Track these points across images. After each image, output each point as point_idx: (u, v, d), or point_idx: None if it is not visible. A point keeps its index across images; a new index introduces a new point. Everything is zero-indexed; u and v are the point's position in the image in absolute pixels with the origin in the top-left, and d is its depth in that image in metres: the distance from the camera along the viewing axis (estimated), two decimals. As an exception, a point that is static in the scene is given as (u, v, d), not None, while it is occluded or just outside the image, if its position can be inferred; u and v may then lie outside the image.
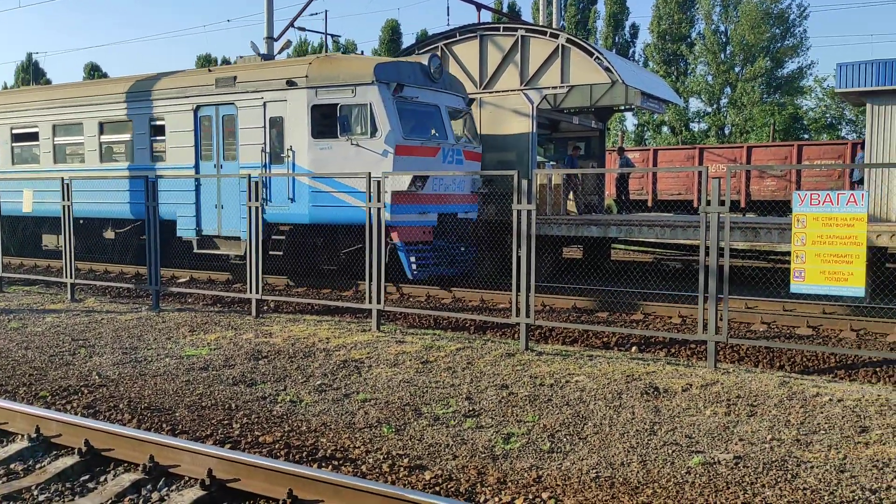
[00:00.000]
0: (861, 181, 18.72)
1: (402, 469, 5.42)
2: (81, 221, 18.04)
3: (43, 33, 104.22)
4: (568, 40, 16.80)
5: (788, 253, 8.02)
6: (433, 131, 14.38)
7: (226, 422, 6.52)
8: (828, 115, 44.33)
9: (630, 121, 51.31)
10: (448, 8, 22.69)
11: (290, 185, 14.19)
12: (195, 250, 15.61)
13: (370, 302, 10.50)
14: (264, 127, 14.47)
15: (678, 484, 5.15)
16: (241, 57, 16.90)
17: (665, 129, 49.33)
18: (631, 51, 50.04)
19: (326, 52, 18.63)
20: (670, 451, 5.73)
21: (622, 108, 19.12)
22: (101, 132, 17.15)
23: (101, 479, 5.31)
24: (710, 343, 8.29)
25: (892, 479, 5.12)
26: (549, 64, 16.78)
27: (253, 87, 14.61)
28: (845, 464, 5.42)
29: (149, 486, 5.12)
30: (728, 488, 5.05)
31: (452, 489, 5.09)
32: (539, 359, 8.65)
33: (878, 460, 5.46)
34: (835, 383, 7.68)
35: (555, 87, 16.85)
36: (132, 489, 5.08)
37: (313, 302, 12.43)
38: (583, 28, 49.44)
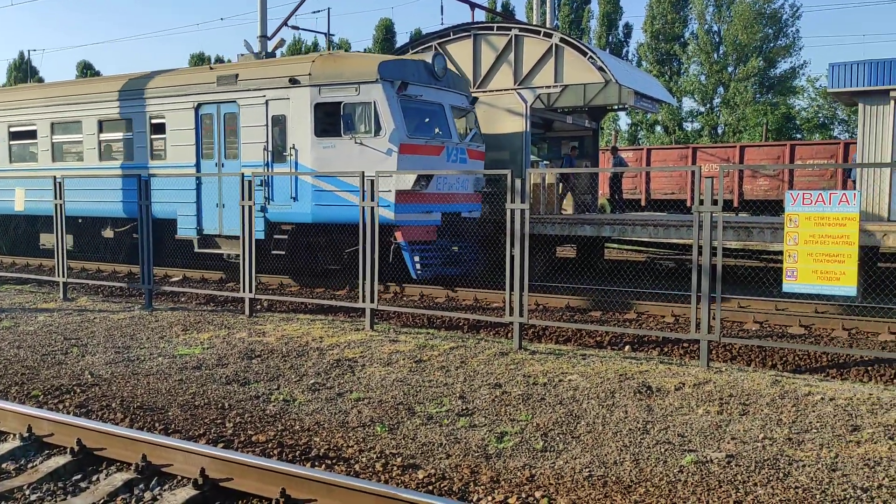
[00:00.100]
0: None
1: (395, 468, 5.43)
2: (80, 220, 17.96)
3: (36, 31, 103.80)
4: (561, 40, 16.81)
5: (781, 252, 8.05)
6: (437, 130, 14.31)
7: (219, 421, 6.51)
8: (820, 115, 44.52)
9: (623, 120, 51.48)
10: (442, 7, 22.75)
11: (292, 183, 14.09)
12: (196, 249, 15.48)
13: (364, 301, 10.49)
14: (267, 125, 14.37)
15: (671, 483, 5.16)
16: (242, 55, 16.83)
17: (658, 128, 49.45)
18: (624, 50, 50.14)
19: (330, 49, 18.52)
20: (663, 450, 5.74)
21: (616, 107, 19.15)
22: (101, 130, 17.03)
23: (94, 478, 5.30)
24: (702, 342, 8.32)
25: (883, 478, 5.15)
26: (543, 63, 16.80)
27: (255, 84, 14.51)
28: (837, 462, 5.44)
29: (141, 486, 5.11)
30: (720, 487, 5.07)
31: (446, 488, 5.09)
32: (532, 358, 8.66)
33: (869, 459, 5.48)
34: (827, 382, 7.71)
35: (548, 87, 16.87)
36: (124, 488, 5.07)
37: (307, 301, 12.42)
38: (576, 28, 49.49)
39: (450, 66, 17.58)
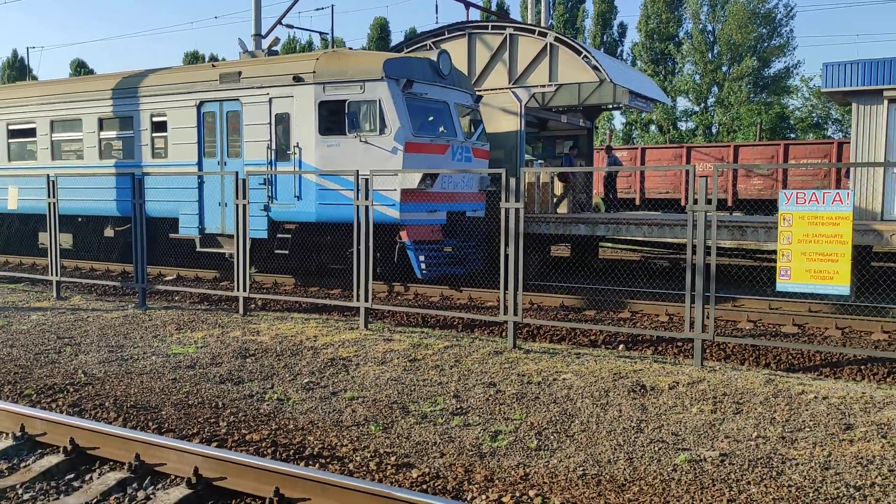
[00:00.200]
0: None
1: (389, 467, 5.42)
2: (80, 219, 17.87)
3: (29, 30, 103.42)
4: (556, 39, 16.82)
5: (775, 251, 8.07)
6: (442, 128, 14.22)
7: (212, 420, 6.49)
8: (814, 115, 44.65)
9: (618, 119, 51.55)
10: (437, 6, 22.67)
11: (296, 182, 13.98)
12: (198, 249, 15.34)
13: (358, 300, 10.48)
14: (270, 123, 14.25)
15: (664, 481, 5.17)
16: (244, 52, 16.73)
17: (653, 127, 49.54)
18: (619, 50, 50.21)
19: (326, 48, 18.40)
20: (657, 449, 5.75)
21: (610, 106, 19.18)
22: (101, 128, 16.88)
23: (87, 477, 5.28)
24: (696, 341, 8.33)
25: (876, 476, 5.17)
26: (538, 62, 16.80)
27: (258, 82, 14.38)
28: (830, 461, 5.46)
29: (135, 485, 5.10)
30: (714, 485, 5.08)
31: (440, 487, 5.09)
32: (527, 357, 8.67)
33: (862, 457, 5.50)
34: (820, 381, 7.73)
35: (543, 86, 16.88)
36: (118, 488, 5.06)
37: (301, 300, 12.40)
38: (571, 27, 49.54)
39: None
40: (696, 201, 8.23)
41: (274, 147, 14.23)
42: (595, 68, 16.25)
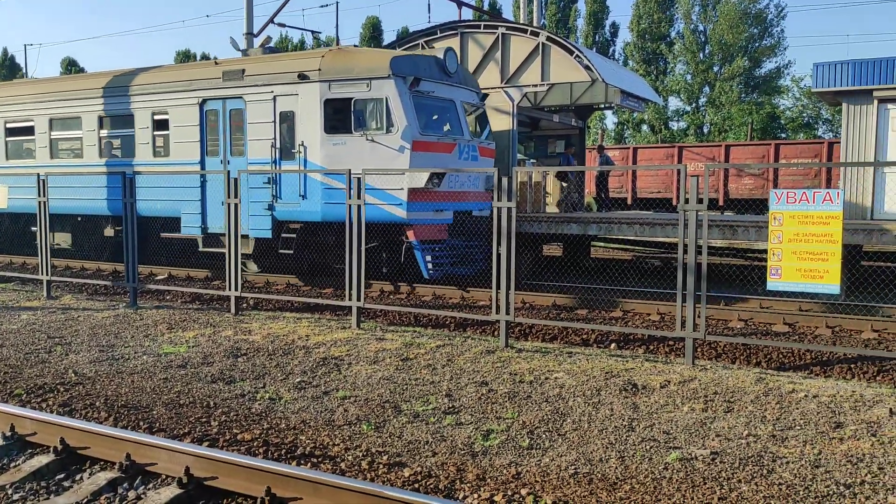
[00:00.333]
0: None
1: (381, 466, 5.42)
2: (80, 218, 17.73)
3: (21, 27, 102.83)
4: (548, 38, 16.85)
5: (766, 250, 8.10)
6: (448, 127, 14.10)
7: (204, 420, 6.48)
8: (805, 115, 44.87)
9: (610, 119, 51.67)
10: (429, 5, 22.71)
11: (301, 181, 13.81)
12: (201, 248, 15.16)
13: (350, 299, 10.47)
14: (274, 121, 14.09)
15: (656, 479, 5.19)
16: (246, 50, 16.62)
17: (645, 127, 49.68)
18: (611, 49, 50.34)
19: (338, 46, 18.19)
20: (648, 447, 5.77)
21: (602, 106, 19.22)
22: (101, 127, 16.66)
23: (77, 477, 5.26)
24: (688, 340, 8.36)
25: (866, 474, 5.20)
26: (530, 62, 16.82)
27: (262, 80, 14.21)
28: (820, 459, 5.48)
29: (125, 485, 5.08)
30: (705, 484, 5.10)
31: (432, 486, 5.09)
32: (519, 356, 8.68)
33: (852, 455, 5.53)
34: (810, 379, 7.77)
35: (535, 85, 16.90)
36: (108, 487, 5.04)
37: (293, 299, 12.38)
38: (563, 26, 49.62)
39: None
40: (687, 201, 8.25)
41: (278, 146, 14.08)
42: (587, 68, 16.28)
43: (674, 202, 25.52)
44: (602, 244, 22.83)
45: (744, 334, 10.34)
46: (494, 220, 9.33)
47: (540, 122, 19.75)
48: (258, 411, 6.75)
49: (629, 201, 27.21)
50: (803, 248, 7.63)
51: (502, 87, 17.03)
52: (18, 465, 5.46)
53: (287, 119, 13.99)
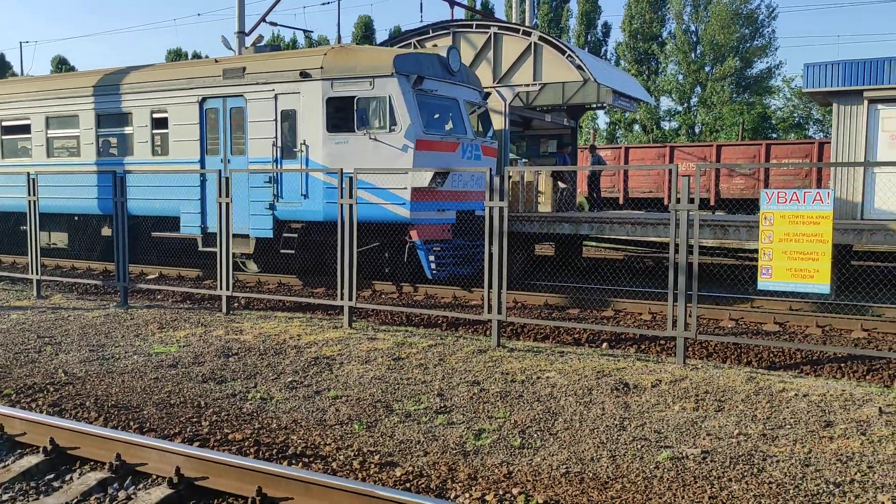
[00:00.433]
0: None
1: (372, 466, 5.41)
2: (77, 218, 17.60)
3: (20, 26, 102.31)
4: (540, 38, 16.87)
5: (756, 250, 8.14)
6: (452, 126, 14.02)
7: (195, 419, 6.46)
8: (795, 115, 45.09)
9: (602, 119, 51.79)
10: (421, 4, 22.70)
11: (302, 180, 13.68)
12: (200, 248, 15.00)
13: (342, 299, 10.46)
14: (276, 120, 13.97)
15: (647, 478, 5.20)
16: (246, 47, 16.51)
17: (636, 127, 49.81)
18: (603, 49, 50.45)
19: (341, 43, 18.16)
20: (639, 447, 5.78)
21: (594, 106, 19.25)
22: (98, 125, 16.48)
23: (67, 477, 5.24)
24: (679, 339, 8.38)
25: (856, 473, 5.22)
26: (522, 61, 16.83)
27: (264, 78, 14.09)
28: (810, 458, 5.51)
29: (115, 485, 5.06)
30: (696, 482, 5.11)
31: (423, 485, 5.09)
32: (511, 355, 8.68)
33: (841, 454, 5.56)
34: (800, 379, 7.80)
35: (527, 85, 16.92)
36: (98, 488, 5.02)
37: (285, 299, 12.36)
38: (555, 26, 49.70)
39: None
40: (678, 200, 8.27)
41: (280, 144, 13.95)
42: (579, 68, 16.31)
43: (665, 202, 25.59)
44: (594, 244, 22.88)
45: (735, 334, 10.38)
46: (486, 220, 9.33)
47: (532, 122, 19.77)
48: (249, 411, 6.73)
49: (621, 201, 27.27)
50: (794, 248, 7.66)
51: (494, 87, 17.04)
52: (7, 465, 5.43)
53: (289, 117, 13.87)
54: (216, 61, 15.36)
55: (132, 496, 4.90)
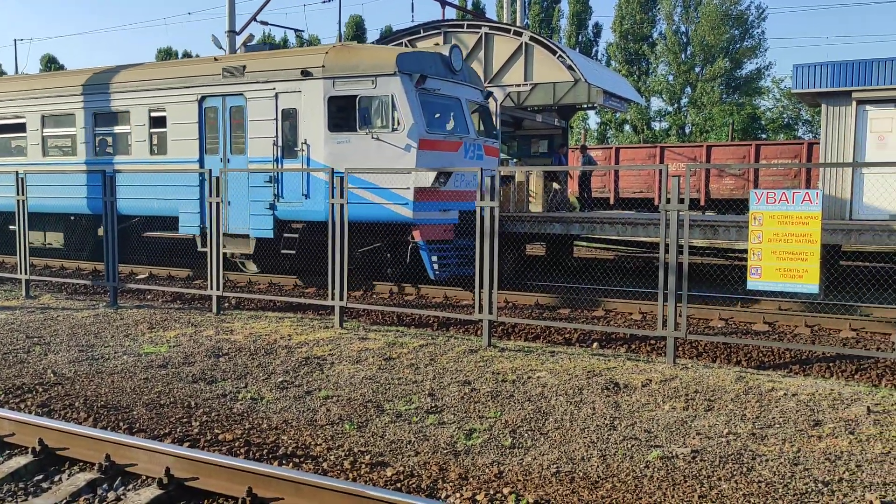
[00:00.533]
0: None
1: (363, 466, 5.41)
2: (73, 217, 17.46)
3: (19, 26, 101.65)
4: (531, 38, 16.90)
5: (746, 250, 8.17)
6: (454, 125, 13.95)
7: (185, 420, 6.44)
8: (785, 116, 45.30)
9: (593, 119, 51.90)
10: (412, 4, 22.70)
11: (304, 180, 13.57)
12: (199, 248, 14.82)
13: (333, 298, 10.44)
14: (276, 119, 13.84)
15: (637, 478, 5.22)
16: (238, 46, 16.41)
17: (627, 127, 49.93)
18: (594, 50, 50.54)
19: (341, 42, 17.90)
20: (629, 446, 5.80)
21: (585, 106, 19.32)
22: (95, 124, 16.29)
23: (56, 478, 5.21)
24: (669, 339, 8.41)
25: (844, 472, 5.25)
26: (513, 62, 16.86)
27: (264, 77, 13.96)
28: (799, 457, 5.54)
29: (105, 486, 5.04)
30: (685, 482, 5.13)
31: (414, 485, 5.09)
32: (501, 355, 8.69)
33: (830, 453, 5.59)
34: (789, 378, 7.84)
35: (518, 85, 16.94)
36: (87, 489, 4.99)
37: (275, 298, 12.33)
38: (546, 27, 49.78)
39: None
40: (668, 200, 8.30)
41: (280, 144, 13.84)
42: (570, 68, 16.35)
43: (656, 202, 25.65)
44: (585, 244, 22.92)
45: (724, 333, 10.42)
46: (478, 220, 9.34)
47: (523, 122, 19.81)
48: (240, 411, 6.72)
49: (612, 201, 27.32)
50: (783, 248, 7.70)
51: (486, 87, 17.05)
52: (-4, 466, 5.40)
53: (289, 116, 13.75)
54: (215, 59, 15.21)
55: (121, 497, 4.88)
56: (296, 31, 25.93)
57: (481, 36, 17.24)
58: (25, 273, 12.86)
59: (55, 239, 18.14)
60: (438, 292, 13.45)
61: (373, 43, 20.18)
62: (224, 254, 14.68)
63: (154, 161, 15.37)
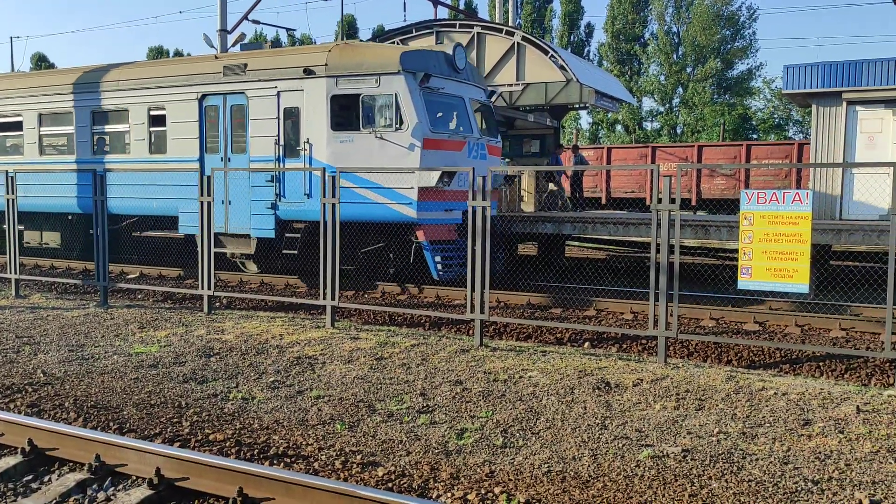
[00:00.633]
0: None
1: (354, 466, 5.41)
2: (70, 217, 17.34)
3: (20, 24, 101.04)
4: (523, 38, 16.92)
5: (737, 250, 8.20)
6: (457, 124, 13.89)
7: (175, 420, 6.42)
8: (776, 116, 45.47)
9: (584, 119, 51.98)
10: (405, 4, 22.68)
11: (306, 179, 13.45)
12: (199, 248, 14.90)
13: (324, 298, 10.43)
14: (278, 118, 13.71)
15: (628, 477, 5.23)
16: (245, 44, 16.33)
17: (619, 127, 50.03)
18: (586, 50, 50.61)
19: (344, 40, 17.82)
20: (621, 445, 5.81)
21: (577, 106, 19.34)
22: (93, 122, 16.11)
23: (46, 479, 5.19)
24: (660, 339, 8.43)
25: (833, 471, 5.28)
26: (505, 61, 16.88)
27: (266, 75, 13.84)
28: (789, 456, 5.56)
29: (95, 486, 5.02)
30: (676, 481, 5.15)
31: (405, 485, 5.09)
32: (493, 355, 8.70)
33: (820, 452, 5.62)
34: (780, 377, 7.87)
35: (510, 85, 16.95)
36: (77, 489, 4.97)
37: (267, 298, 12.30)
38: (539, 27, 49.80)
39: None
40: (660, 200, 8.32)
41: (282, 143, 13.72)
42: (562, 68, 16.37)
43: (647, 202, 25.70)
44: (577, 244, 22.96)
45: (715, 333, 10.46)
46: (469, 219, 9.34)
47: (515, 122, 19.81)
48: (231, 411, 6.70)
49: (603, 201, 27.35)
50: (773, 248, 7.73)
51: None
52: (-15, 466, 5.37)
53: (291, 115, 13.64)
54: (216, 58, 15.10)
55: (112, 497, 4.87)
56: (288, 30, 25.84)
57: (473, 36, 17.25)
58: (15, 272, 12.79)
59: (52, 239, 18.03)
60: (430, 292, 13.43)
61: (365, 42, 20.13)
62: (224, 254, 14.65)
63: (153, 160, 15.24)
